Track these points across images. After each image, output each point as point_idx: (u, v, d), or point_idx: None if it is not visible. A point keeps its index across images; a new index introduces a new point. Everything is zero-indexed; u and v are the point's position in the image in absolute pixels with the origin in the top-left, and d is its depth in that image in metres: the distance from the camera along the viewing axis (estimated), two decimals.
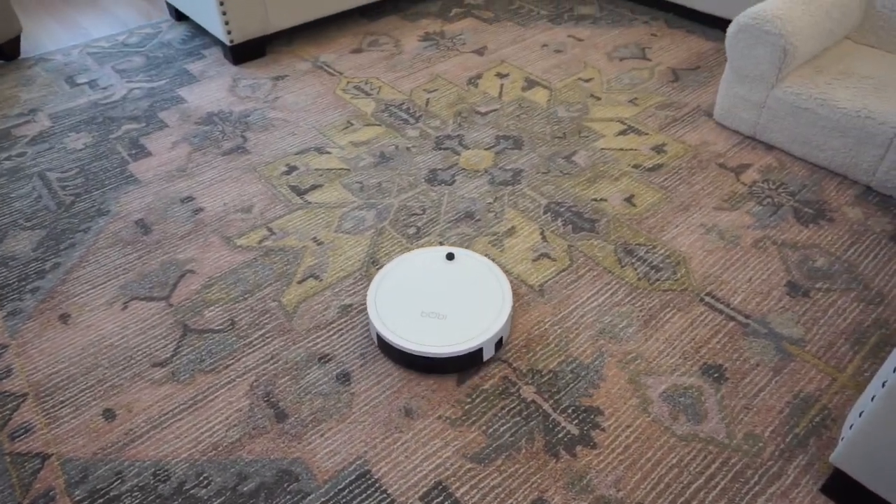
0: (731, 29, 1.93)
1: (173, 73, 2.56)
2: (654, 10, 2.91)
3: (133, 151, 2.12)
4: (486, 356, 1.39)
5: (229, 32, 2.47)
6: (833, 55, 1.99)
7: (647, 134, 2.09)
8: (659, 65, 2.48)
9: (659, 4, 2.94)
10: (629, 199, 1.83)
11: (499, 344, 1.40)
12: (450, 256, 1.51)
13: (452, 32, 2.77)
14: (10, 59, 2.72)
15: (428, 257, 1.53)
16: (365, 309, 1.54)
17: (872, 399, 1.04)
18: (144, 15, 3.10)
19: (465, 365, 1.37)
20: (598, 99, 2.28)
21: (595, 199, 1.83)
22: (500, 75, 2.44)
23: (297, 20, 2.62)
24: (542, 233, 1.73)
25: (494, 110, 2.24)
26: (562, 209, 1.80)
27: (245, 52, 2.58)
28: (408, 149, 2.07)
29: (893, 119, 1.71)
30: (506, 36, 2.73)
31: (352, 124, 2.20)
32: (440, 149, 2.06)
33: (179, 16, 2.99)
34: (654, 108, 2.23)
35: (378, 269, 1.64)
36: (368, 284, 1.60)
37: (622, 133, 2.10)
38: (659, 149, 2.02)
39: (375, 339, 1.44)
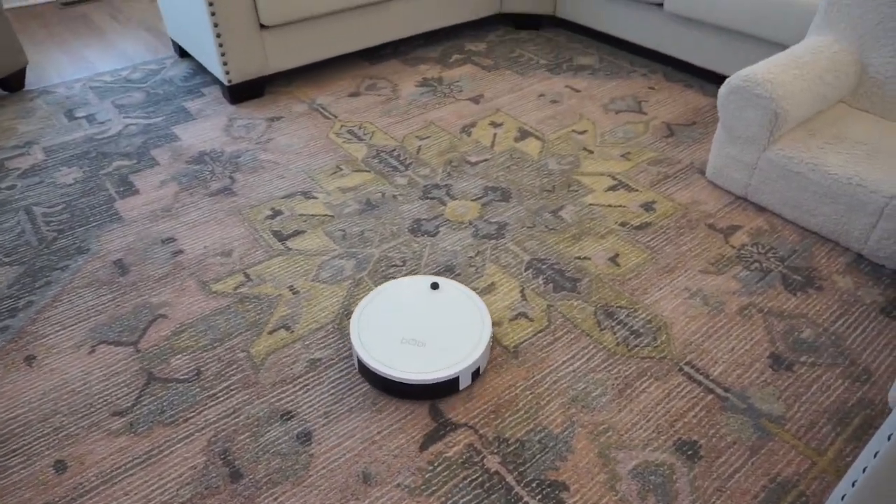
0: (722, 90, 1.91)
1: (171, 111, 2.58)
2: (653, 63, 2.91)
3: (121, 189, 2.12)
4: (462, 385, 1.42)
5: (227, 73, 2.50)
6: (827, 118, 1.97)
7: (637, 190, 2.07)
8: (654, 119, 2.47)
9: (658, 57, 2.94)
10: (614, 259, 1.79)
11: (475, 373, 1.43)
12: (434, 286, 1.56)
13: (450, 79, 2.78)
14: (13, 91, 2.76)
15: (413, 285, 1.58)
16: (334, 364, 1.51)
17: (853, 485, 0.99)
18: (151, 50, 3.15)
19: (441, 392, 1.40)
20: (591, 152, 2.27)
21: (579, 258, 1.80)
22: (494, 124, 2.44)
23: (295, 63, 2.65)
24: (521, 290, 1.69)
25: (485, 160, 2.23)
26: (544, 266, 1.77)
27: (243, 92, 2.60)
28: (394, 197, 2.05)
29: (885, 188, 1.68)
30: (503, 84, 2.73)
31: (341, 169, 2.20)
32: (427, 198, 2.05)
33: (183, 53, 3.03)
34: (646, 163, 2.20)
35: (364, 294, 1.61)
36: (340, 338, 1.57)
37: (612, 188, 2.08)
38: (648, 206, 1.99)
39: (356, 364, 1.47)
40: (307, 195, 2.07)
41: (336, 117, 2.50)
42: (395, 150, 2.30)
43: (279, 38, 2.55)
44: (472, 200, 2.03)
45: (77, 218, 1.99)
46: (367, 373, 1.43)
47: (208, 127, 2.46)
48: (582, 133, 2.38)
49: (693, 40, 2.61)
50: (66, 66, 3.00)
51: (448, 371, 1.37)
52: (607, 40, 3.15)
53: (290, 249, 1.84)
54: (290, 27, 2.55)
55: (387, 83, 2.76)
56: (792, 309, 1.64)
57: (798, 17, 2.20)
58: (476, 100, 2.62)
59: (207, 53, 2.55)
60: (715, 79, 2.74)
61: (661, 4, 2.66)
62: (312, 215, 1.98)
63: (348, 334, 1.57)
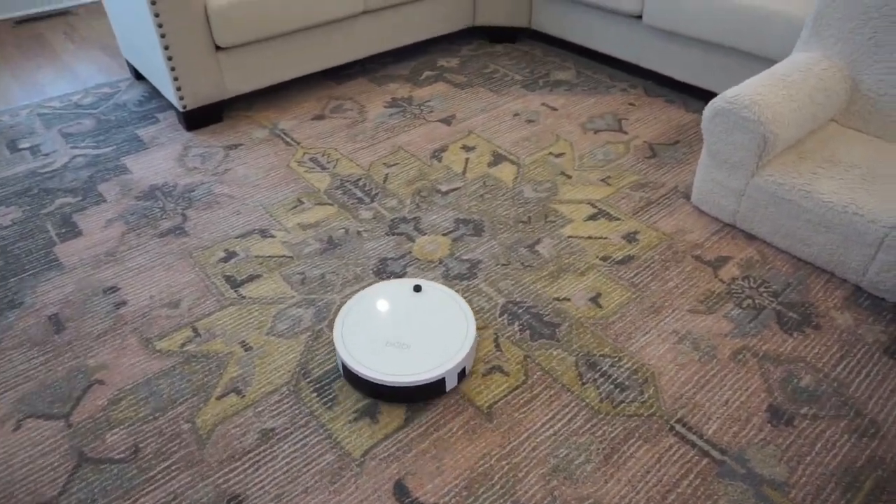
0: (706, 112, 1.79)
1: (122, 139, 2.41)
2: (633, 77, 2.79)
3: (62, 230, 1.95)
4: (449, 386, 1.42)
5: (181, 98, 2.33)
6: (818, 139, 1.85)
7: (618, 219, 1.94)
8: (635, 138, 2.34)
9: (638, 71, 2.82)
10: (595, 299, 1.66)
11: (461, 374, 1.43)
12: (417, 288, 1.56)
13: (421, 98, 2.64)
14: None
15: (396, 288, 1.58)
16: (289, 434, 1.35)
17: None
18: (105, 72, 2.97)
19: (428, 394, 1.40)
20: (569, 177, 2.13)
21: (558, 298, 1.66)
22: (467, 148, 2.30)
23: (255, 85, 2.49)
24: (496, 339, 1.55)
25: (456, 189, 2.08)
26: (520, 310, 1.63)
27: (199, 118, 2.44)
28: (359, 233, 1.91)
29: (883, 217, 1.56)
30: (477, 103, 2.59)
31: (302, 203, 2.04)
32: (394, 234, 1.90)
33: (139, 74, 2.86)
34: (628, 188, 2.07)
35: (346, 299, 1.46)
36: (296, 402, 1.42)
37: (592, 218, 1.94)
38: (631, 237, 1.86)
39: (341, 369, 1.46)
40: (265, 233, 1.92)
41: (298, 144, 2.35)
42: (360, 179, 2.15)
43: (236, 60, 2.39)
44: (443, 235, 1.89)
45: (11, 266, 1.82)
46: (352, 378, 1.42)
47: (161, 157, 2.29)
48: (559, 156, 2.24)
49: (674, 54, 2.49)
50: (14, 91, 2.82)
51: (434, 372, 1.36)
52: (585, 53, 3.02)
53: (243, 298, 1.69)
54: (248, 48, 2.40)
55: (353, 104, 2.61)
56: (789, 352, 1.51)
57: (783, 30, 2.08)
58: (448, 121, 2.47)
59: (160, 77, 2.38)
60: (698, 94, 2.62)
61: (639, 17, 2.53)
62: (269, 257, 1.83)
63: (303, 398, 1.42)
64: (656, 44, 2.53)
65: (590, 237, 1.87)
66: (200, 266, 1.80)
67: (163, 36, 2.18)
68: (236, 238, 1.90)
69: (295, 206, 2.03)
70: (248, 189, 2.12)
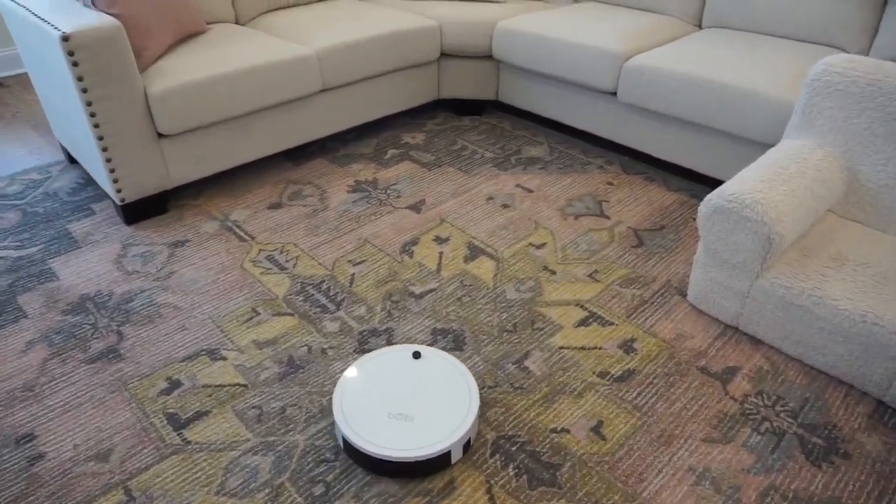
0: (703, 210, 1.64)
1: (50, 237, 2.14)
2: (609, 153, 2.67)
3: None
4: (454, 459, 1.36)
5: (119, 191, 2.09)
6: (819, 233, 1.73)
7: (612, 324, 1.76)
8: (619, 224, 2.19)
9: (614, 146, 2.71)
10: (597, 429, 1.46)
11: (466, 445, 1.38)
12: (416, 355, 1.52)
13: (387, 181, 2.45)
14: None
15: (395, 355, 1.53)
16: None
17: None
18: (36, 154, 2.70)
19: (434, 468, 1.34)
20: (553, 273, 1.96)
21: (556, 430, 1.45)
22: (440, 240, 2.11)
23: (203, 172, 2.26)
24: (488, 489, 1.33)
25: (432, 290, 1.88)
26: (513, 448, 1.41)
27: (140, 211, 2.19)
28: (323, 351, 1.67)
29: None
30: (447, 185, 2.42)
31: (258, 313, 1.80)
32: (363, 350, 1.67)
33: (72, 158, 2.60)
34: (618, 284, 1.91)
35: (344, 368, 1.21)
36: None
37: (583, 323, 1.76)
38: (628, 346, 1.68)
39: (341, 443, 1.40)
40: (214, 355, 1.67)
41: (253, 238, 2.12)
42: (323, 281, 1.93)
43: (182, 147, 2.16)
44: None
45: None
46: (353, 453, 1.35)
47: (96, 258, 2.03)
48: (540, 247, 2.07)
49: (651, 131, 2.38)
50: None
51: (440, 446, 1.31)
52: (556, 126, 2.91)
53: (188, 443, 1.43)
54: (195, 133, 2.18)
55: (314, 189, 2.40)
56: (821, 491, 1.33)
57: (763, 111, 1.99)
58: (417, 207, 2.29)
59: (95, 166, 2.14)
60: (678, 171, 2.52)
61: (614, 93, 2.42)
62: (220, 386, 1.57)
63: None
64: (632, 120, 2.42)
65: (583, 348, 1.68)
66: (138, 401, 1.53)
67: (96, 126, 1.94)
68: (181, 362, 1.64)
69: (250, 318, 1.78)
70: (195, 297, 1.87)
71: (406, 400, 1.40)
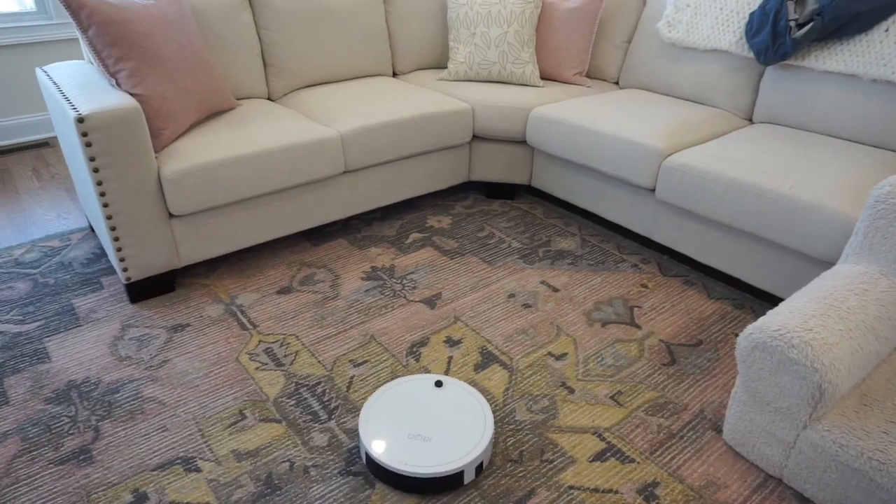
0: (743, 343, 1.44)
1: (54, 312, 2.08)
2: (646, 250, 2.49)
3: None
4: (467, 479, 1.46)
5: (125, 270, 2.03)
6: (882, 376, 1.49)
7: (633, 461, 1.54)
8: (650, 335, 1.99)
9: (651, 243, 2.52)
10: None
11: (479, 468, 1.48)
12: (438, 384, 1.64)
13: (404, 269, 2.33)
14: None
15: (418, 383, 1.65)
16: None
17: None
18: (63, 219, 2.71)
19: (448, 486, 1.44)
20: (572, 391, 1.76)
21: None
22: (451, 342, 1.95)
23: (214, 252, 2.19)
24: None
25: None
26: None
27: (146, 290, 2.12)
28: (306, 470, 1.51)
29: None
30: (467, 278, 2.28)
31: (244, 417, 1.67)
32: (349, 473, 1.51)
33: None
34: (643, 411, 1.70)
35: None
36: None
37: (599, 457, 1.55)
38: (649, 493, 1.46)
39: (364, 460, 1.51)
40: (189, 464, 1.53)
41: (255, 327, 2.01)
42: (320, 383, 1.78)
43: (194, 227, 2.10)
44: None
45: None
46: (375, 468, 1.47)
47: (92, 340, 1.95)
48: (560, 358, 1.89)
49: (693, 232, 2.19)
50: None
51: (454, 465, 1.42)
52: (591, 216, 2.75)
53: None
54: (208, 212, 2.12)
55: (327, 274, 2.29)
56: None
57: (820, 226, 1.78)
58: (432, 301, 2.14)
59: (105, 242, 2.09)
60: (722, 277, 2.31)
61: (652, 190, 2.26)
62: None
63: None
64: (672, 219, 2.24)
65: (596, 490, 1.47)
66: None
67: (105, 205, 1.90)
68: (153, 470, 1.51)
69: (235, 423, 1.65)
70: (183, 391, 1.75)
71: (426, 423, 1.52)
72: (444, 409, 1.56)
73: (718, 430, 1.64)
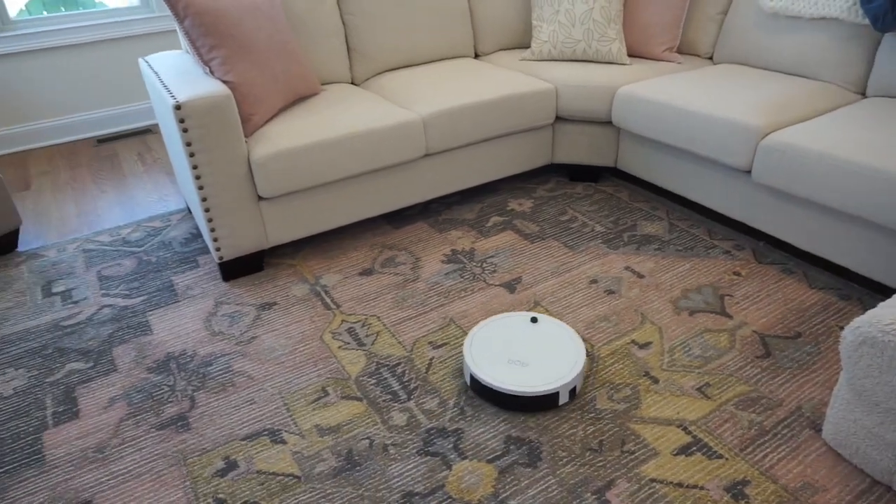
0: (848, 337, 1.33)
1: (155, 288, 2.22)
2: (740, 235, 2.35)
3: (60, 409, 1.72)
4: (562, 400, 1.61)
5: (218, 249, 2.13)
6: None
7: (721, 457, 1.47)
8: (743, 326, 1.88)
9: (745, 229, 2.38)
10: None
11: (572, 392, 1.63)
12: (534, 320, 1.79)
13: (484, 252, 2.32)
14: (4, 253, 2.52)
15: (516, 318, 1.82)
16: None
17: None
18: (164, 201, 2.88)
19: (543, 406, 1.60)
20: (655, 381, 1.70)
21: None
22: None
23: (300, 234, 2.27)
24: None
25: None
26: None
27: (237, 269, 2.23)
28: (385, 448, 1.54)
29: None
30: (548, 262, 2.24)
31: (327, 394, 1.72)
32: (427, 453, 1.52)
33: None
34: (733, 405, 1.61)
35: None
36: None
37: (684, 451, 1.49)
38: (738, 491, 1.39)
39: (468, 381, 1.68)
40: (275, 436, 1.60)
41: (338, 307, 2.06)
42: (399, 364, 1.81)
43: (281, 209, 2.18)
44: (488, 462, 1.49)
45: None
46: (479, 387, 1.64)
47: (189, 315, 2.07)
48: (644, 346, 1.82)
49: (793, 217, 2.04)
50: (71, 220, 2.76)
51: (550, 386, 1.57)
52: (680, 200, 2.63)
53: None
54: (295, 195, 2.19)
55: (408, 256, 2.32)
56: None
57: None
58: (511, 286, 2.12)
59: (200, 223, 2.21)
60: (825, 265, 2.14)
61: (748, 172, 2.12)
62: (273, 474, 1.49)
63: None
64: (770, 202, 2.10)
65: (680, 484, 1.41)
66: (192, 480, 1.49)
67: (200, 188, 2.00)
68: (242, 440, 1.59)
69: (318, 399, 1.70)
70: (270, 367, 1.83)
71: (523, 351, 1.68)
72: (539, 340, 1.72)
73: (817, 430, 1.53)
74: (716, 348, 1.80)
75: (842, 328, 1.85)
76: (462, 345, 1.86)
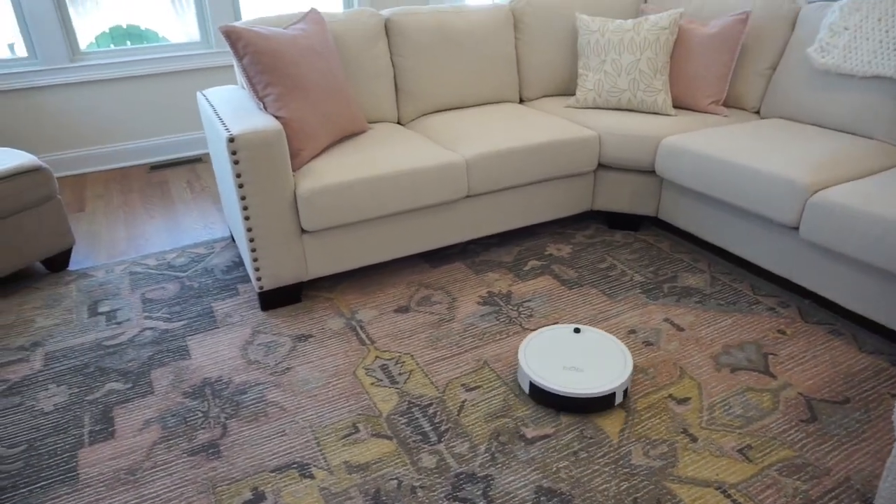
0: None
1: (196, 314, 2.27)
2: (785, 292, 2.29)
3: (97, 428, 1.75)
4: (617, 401, 1.74)
5: (259, 279, 2.17)
6: None
7: None
8: (787, 387, 1.82)
9: (791, 286, 2.32)
10: None
11: (625, 392, 1.76)
12: (577, 330, 1.93)
13: (521, 296, 2.30)
14: (55, 271, 2.61)
15: (561, 330, 1.96)
16: None
17: None
18: (209, 229, 2.96)
19: (600, 406, 1.72)
20: (694, 439, 1.64)
21: None
22: None
23: (339, 268, 2.29)
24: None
25: (545, 437, 1.66)
26: None
27: (276, 299, 2.26)
28: (413, 490, 1.52)
29: None
30: (585, 310, 2.21)
31: (357, 430, 1.71)
32: (456, 498, 1.49)
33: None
34: (776, 470, 1.54)
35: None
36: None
37: None
38: None
39: (527, 388, 1.79)
40: (304, 470, 1.59)
41: (373, 343, 2.07)
42: (431, 404, 1.80)
43: (322, 243, 2.22)
44: None
45: (29, 470, 1.62)
46: (539, 394, 1.76)
47: (227, 342, 2.10)
48: (683, 402, 1.77)
49: (843, 276, 1.99)
50: (120, 243, 2.85)
51: (607, 387, 1.70)
52: (723, 253, 2.58)
53: None
54: (336, 230, 2.22)
55: (444, 296, 2.32)
56: None
57: None
58: None
59: (244, 251, 2.26)
60: (876, 328, 2.07)
61: (796, 228, 2.08)
62: None
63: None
64: (817, 260, 2.05)
65: None
66: None
67: (247, 218, 2.05)
68: (272, 472, 1.59)
69: (348, 434, 1.70)
70: (303, 399, 1.83)
71: (575, 359, 1.81)
72: (587, 348, 1.85)
73: (867, 503, 1.45)
74: (758, 409, 1.74)
75: (894, 396, 1.77)
76: (494, 388, 1.84)
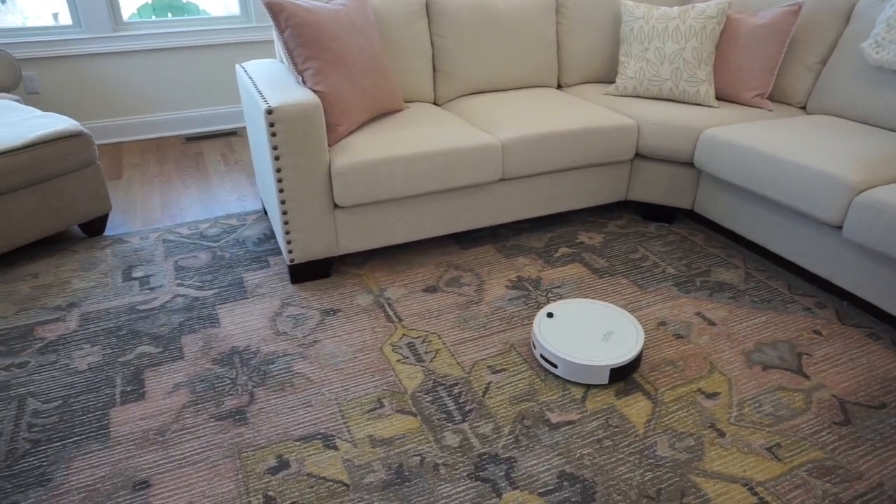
0: None
1: (227, 283, 2.29)
2: (822, 293, 2.23)
3: (128, 388, 1.79)
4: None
5: (290, 252, 2.18)
6: None
7: None
8: (820, 388, 1.78)
9: (829, 286, 2.26)
10: None
11: (637, 360, 1.82)
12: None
13: (550, 282, 2.29)
14: (92, 235, 2.66)
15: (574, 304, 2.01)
16: None
17: None
18: (241, 201, 2.99)
19: (624, 374, 1.80)
20: (722, 434, 1.62)
21: None
22: None
23: (370, 245, 2.30)
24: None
25: (570, 423, 1.65)
26: None
27: (306, 273, 2.28)
28: (436, 467, 1.53)
29: None
30: (615, 299, 2.19)
31: (382, 405, 1.72)
32: (478, 478, 1.50)
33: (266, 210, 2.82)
34: (805, 471, 1.51)
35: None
36: None
37: None
38: None
39: (541, 360, 1.85)
40: (328, 441, 1.60)
41: (400, 321, 2.07)
42: (457, 384, 1.80)
43: (354, 219, 2.22)
44: (539, 495, 1.45)
45: (63, 425, 1.66)
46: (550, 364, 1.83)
47: (256, 312, 2.12)
48: (712, 396, 1.74)
49: (884, 280, 1.93)
50: (155, 211, 2.90)
51: (630, 354, 1.78)
52: (759, 249, 2.53)
53: None
54: (369, 207, 2.23)
55: (473, 278, 2.31)
56: None
57: None
58: None
59: (276, 224, 2.27)
60: None
61: (839, 227, 2.02)
62: (323, 479, 1.50)
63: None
64: (859, 261, 1.99)
65: None
66: (245, 474, 1.51)
67: (281, 191, 2.06)
68: (296, 441, 1.61)
69: (373, 409, 1.71)
70: (329, 372, 1.85)
71: (595, 332, 1.88)
72: (602, 322, 1.91)
73: None
74: (789, 408, 1.71)
75: None
76: (520, 371, 1.83)
